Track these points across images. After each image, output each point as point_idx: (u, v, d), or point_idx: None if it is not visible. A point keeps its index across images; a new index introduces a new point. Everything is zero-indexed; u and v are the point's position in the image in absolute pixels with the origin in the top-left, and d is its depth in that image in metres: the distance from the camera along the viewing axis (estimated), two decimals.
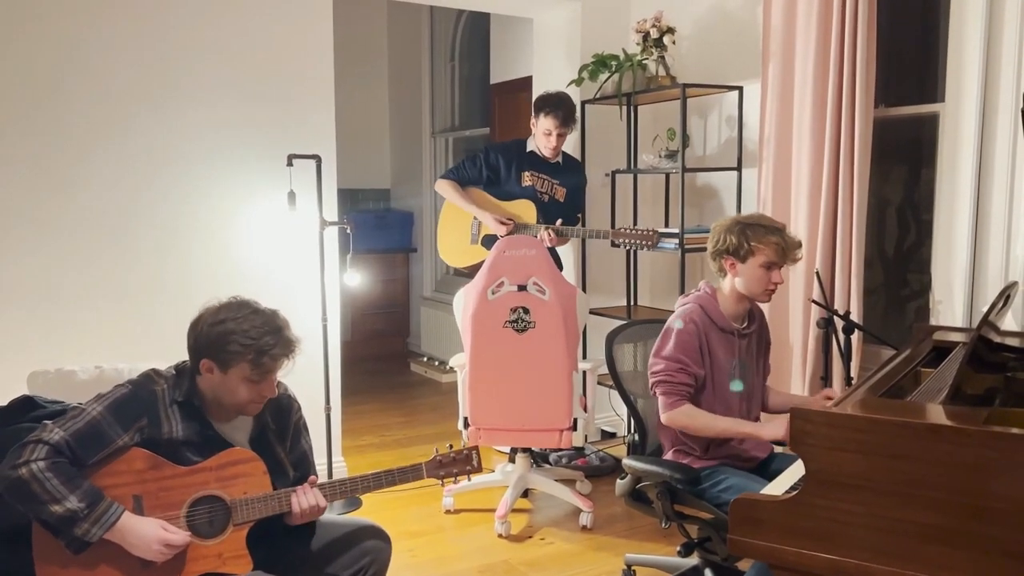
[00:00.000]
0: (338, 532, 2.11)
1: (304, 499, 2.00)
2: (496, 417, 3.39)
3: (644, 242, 3.54)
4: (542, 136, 3.73)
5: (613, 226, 4.14)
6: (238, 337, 1.90)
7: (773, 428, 2.40)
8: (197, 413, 1.98)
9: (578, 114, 3.87)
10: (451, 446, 2.19)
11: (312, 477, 2.10)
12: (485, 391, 3.38)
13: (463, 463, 2.16)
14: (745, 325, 2.63)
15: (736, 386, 2.58)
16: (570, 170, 3.90)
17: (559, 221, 3.67)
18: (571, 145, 4.21)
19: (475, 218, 3.81)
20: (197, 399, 1.98)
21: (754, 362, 2.66)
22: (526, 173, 3.79)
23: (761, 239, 2.48)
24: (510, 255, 3.36)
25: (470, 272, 3.99)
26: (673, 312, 2.63)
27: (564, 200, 3.83)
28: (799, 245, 2.54)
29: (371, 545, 2.11)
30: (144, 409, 1.92)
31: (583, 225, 4.05)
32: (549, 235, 3.58)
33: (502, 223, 3.64)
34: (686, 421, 2.48)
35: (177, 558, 1.89)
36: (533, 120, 3.77)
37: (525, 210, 3.75)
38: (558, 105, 3.68)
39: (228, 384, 1.94)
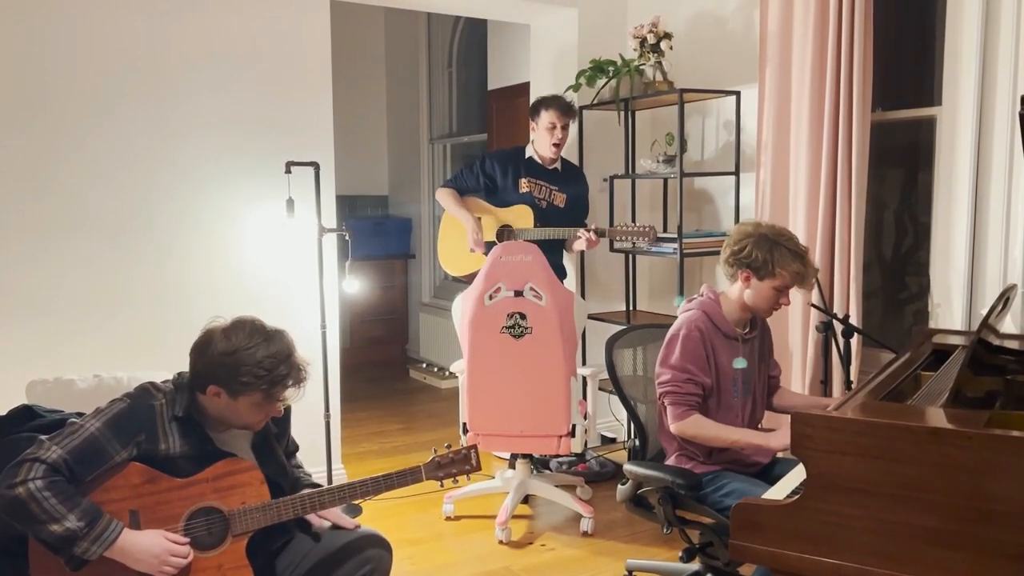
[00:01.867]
0: (339, 540, 2.09)
1: (321, 522, 2.03)
2: (494, 423, 3.39)
3: (642, 238, 3.57)
4: (544, 132, 3.73)
5: None
6: (251, 368, 1.88)
7: (781, 438, 2.39)
8: (197, 428, 1.96)
9: (577, 110, 3.87)
10: (449, 446, 2.18)
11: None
12: (483, 397, 3.38)
13: (462, 463, 2.13)
14: (748, 331, 2.62)
15: (739, 363, 2.56)
16: (571, 178, 3.90)
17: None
18: (568, 150, 4.21)
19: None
20: (197, 413, 1.96)
21: (756, 367, 2.66)
22: (523, 180, 3.80)
23: (786, 265, 2.44)
24: (507, 261, 3.36)
25: (469, 280, 3.99)
26: (675, 318, 2.63)
27: (565, 207, 3.83)
28: (817, 272, 2.52)
29: (372, 553, 2.09)
30: (143, 425, 1.90)
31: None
32: (592, 237, 3.62)
33: (477, 242, 3.68)
34: (695, 432, 2.47)
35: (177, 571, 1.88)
36: (532, 122, 3.78)
37: (521, 216, 3.75)
38: (557, 98, 3.75)
39: (236, 408, 1.93)
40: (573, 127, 4.17)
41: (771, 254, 2.44)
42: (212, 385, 1.92)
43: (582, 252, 4.27)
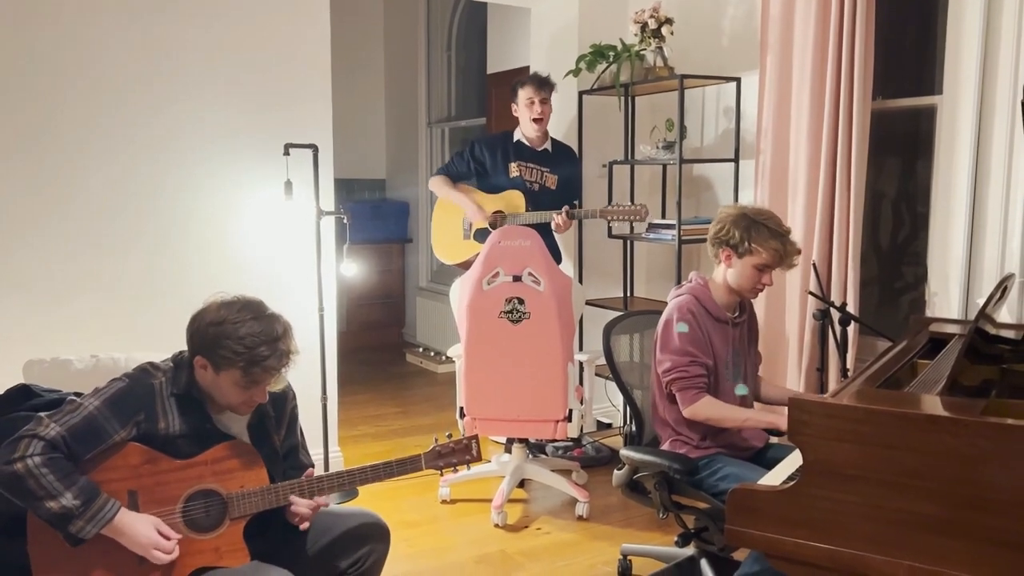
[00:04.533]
0: (337, 522, 2.10)
1: (305, 509, 1.99)
2: (491, 407, 3.39)
3: (634, 217, 3.58)
4: (525, 110, 3.74)
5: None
6: (232, 343, 1.87)
7: None
8: (196, 406, 1.96)
9: (554, 83, 3.82)
10: (450, 435, 2.18)
11: (309, 470, 2.09)
12: (480, 381, 3.38)
13: (462, 453, 2.14)
14: (737, 315, 2.64)
15: (741, 390, 2.59)
16: (562, 159, 3.89)
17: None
18: (567, 135, 4.20)
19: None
20: (196, 391, 1.96)
21: (746, 351, 2.68)
22: (513, 164, 3.79)
23: (763, 242, 2.46)
24: (505, 246, 3.36)
25: (462, 267, 3.99)
26: (667, 304, 2.63)
27: (557, 188, 3.83)
28: (798, 252, 2.52)
29: (370, 535, 2.10)
30: (142, 404, 1.90)
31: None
32: (564, 219, 3.59)
33: (482, 216, 3.67)
34: (708, 413, 2.48)
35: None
36: (514, 104, 3.79)
37: (513, 201, 3.74)
38: (530, 75, 3.77)
39: (219, 384, 1.92)
40: (570, 109, 4.16)
41: (748, 232, 2.47)
42: (198, 355, 1.92)
43: (580, 237, 4.27)
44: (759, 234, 2.47)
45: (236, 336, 1.87)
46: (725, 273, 2.56)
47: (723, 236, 2.52)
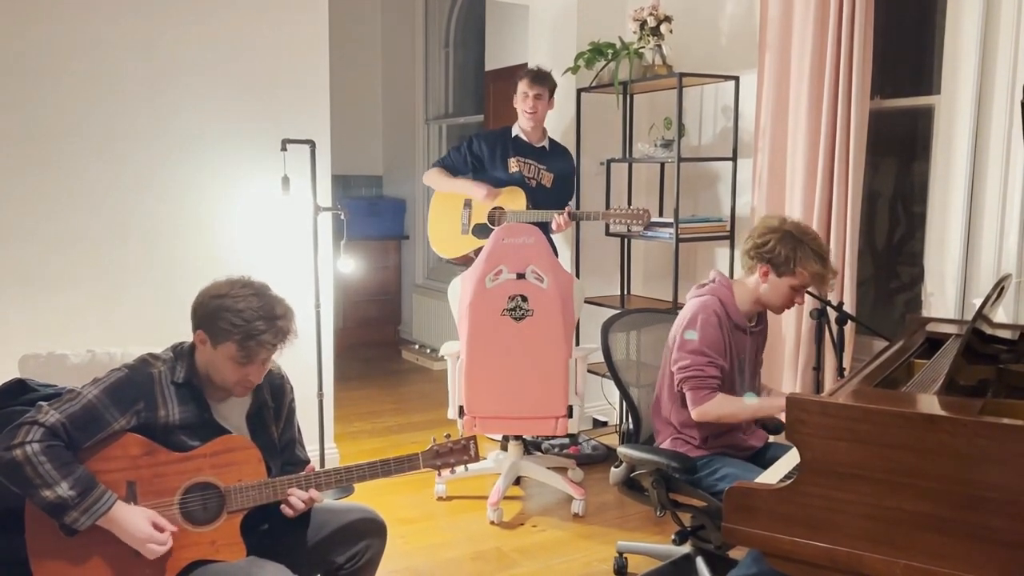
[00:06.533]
0: (334, 517, 2.10)
1: (298, 500, 1.99)
2: (493, 405, 3.38)
3: (636, 221, 3.58)
4: (521, 102, 3.76)
5: None
6: (230, 315, 1.91)
7: None
8: (196, 394, 1.97)
9: (555, 80, 3.82)
10: (448, 436, 2.18)
11: (310, 465, 2.09)
12: (482, 380, 3.37)
13: (460, 453, 2.14)
14: (755, 324, 2.63)
15: (750, 397, 2.58)
16: (557, 156, 3.89)
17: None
18: (564, 133, 4.20)
19: (464, 207, 3.80)
20: (196, 379, 1.97)
21: (756, 359, 2.67)
22: (512, 159, 3.79)
23: (808, 265, 2.43)
24: (509, 243, 3.35)
25: (460, 262, 3.98)
26: (669, 303, 2.63)
27: (551, 186, 3.82)
28: (835, 275, 2.51)
29: (366, 531, 2.10)
30: (141, 392, 1.91)
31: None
32: (565, 220, 3.59)
33: (491, 193, 3.69)
34: (719, 412, 2.45)
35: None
36: (515, 96, 3.80)
37: (515, 197, 3.74)
38: (530, 69, 3.79)
39: (216, 361, 1.94)
40: (568, 106, 4.16)
41: (794, 252, 2.43)
42: (199, 330, 1.95)
43: (577, 235, 4.27)
44: (804, 256, 2.42)
45: (235, 309, 1.91)
46: (758, 286, 2.52)
47: (767, 252, 2.45)
